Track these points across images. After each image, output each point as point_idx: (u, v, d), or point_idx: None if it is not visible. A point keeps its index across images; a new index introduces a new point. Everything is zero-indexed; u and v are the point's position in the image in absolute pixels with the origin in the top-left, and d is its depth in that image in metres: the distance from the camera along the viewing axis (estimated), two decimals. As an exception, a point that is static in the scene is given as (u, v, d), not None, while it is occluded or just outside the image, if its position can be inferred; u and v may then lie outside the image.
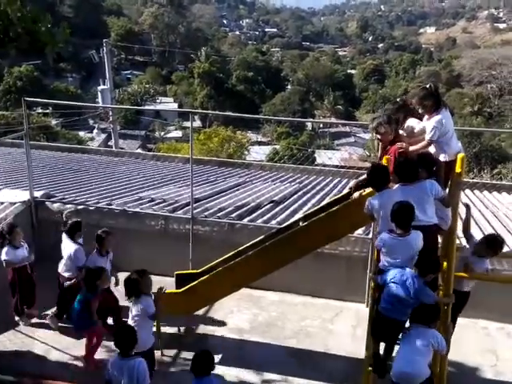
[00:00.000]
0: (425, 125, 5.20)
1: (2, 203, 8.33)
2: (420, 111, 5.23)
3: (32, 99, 9.13)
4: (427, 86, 5.28)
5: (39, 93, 42.50)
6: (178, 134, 49.81)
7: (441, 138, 5.10)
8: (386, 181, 4.96)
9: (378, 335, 4.93)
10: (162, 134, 50.53)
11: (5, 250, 6.58)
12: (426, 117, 5.22)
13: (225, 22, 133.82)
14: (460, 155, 5.19)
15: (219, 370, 6.06)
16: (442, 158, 5.18)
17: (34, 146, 10.60)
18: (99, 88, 25.82)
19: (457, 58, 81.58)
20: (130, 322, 5.40)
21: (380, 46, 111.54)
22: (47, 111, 40.55)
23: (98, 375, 5.83)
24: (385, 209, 4.80)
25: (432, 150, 5.20)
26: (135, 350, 4.85)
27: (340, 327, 7.04)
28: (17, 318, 6.83)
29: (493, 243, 5.47)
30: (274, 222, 7.91)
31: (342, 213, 5.62)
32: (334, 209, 5.72)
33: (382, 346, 4.98)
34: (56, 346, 6.42)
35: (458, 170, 5.12)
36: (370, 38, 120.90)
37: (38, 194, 8.58)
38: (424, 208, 4.79)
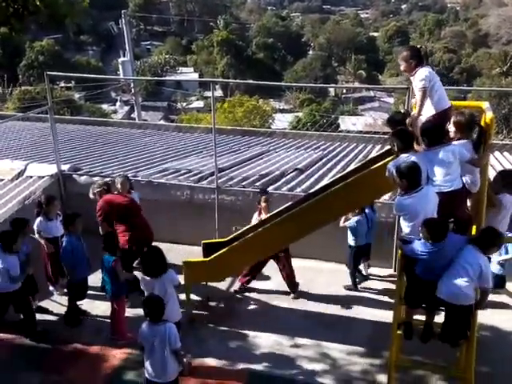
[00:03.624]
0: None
1: (31, 177, 8.49)
2: (404, 69, 5.24)
3: (55, 73, 9.16)
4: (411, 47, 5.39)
5: (61, 67, 42.57)
6: (200, 104, 49.67)
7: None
8: (409, 145, 4.90)
9: (417, 301, 4.90)
10: (184, 104, 50.44)
11: (38, 220, 6.75)
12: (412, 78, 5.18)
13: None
14: (489, 116, 5.07)
15: (248, 334, 6.20)
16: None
17: (58, 119, 10.71)
18: (120, 60, 25.86)
19: (483, 16, 78.69)
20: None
21: (403, 6, 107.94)
22: (70, 85, 40.80)
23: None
24: None
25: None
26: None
27: (367, 292, 7.06)
28: (51, 288, 7.04)
29: (507, 176, 5.49)
30: (298, 189, 7.89)
31: (366, 179, 5.57)
32: (358, 175, 5.68)
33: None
34: (93, 313, 6.64)
35: (487, 131, 5.01)
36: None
37: (64, 167, 8.71)
38: (448, 172, 4.73)
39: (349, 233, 7.05)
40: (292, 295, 7.02)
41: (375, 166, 5.55)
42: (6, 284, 5.84)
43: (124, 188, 7.09)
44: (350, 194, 5.75)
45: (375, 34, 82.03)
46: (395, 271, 6.94)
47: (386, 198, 7.25)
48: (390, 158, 5.20)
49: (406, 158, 4.81)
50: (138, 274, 6.04)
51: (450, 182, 4.73)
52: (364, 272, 7.49)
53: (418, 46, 5.33)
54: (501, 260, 6.59)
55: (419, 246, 4.61)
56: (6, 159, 9.25)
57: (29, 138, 10.80)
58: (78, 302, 6.58)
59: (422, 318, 5.00)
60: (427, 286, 4.69)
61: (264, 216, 6.70)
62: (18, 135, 10.60)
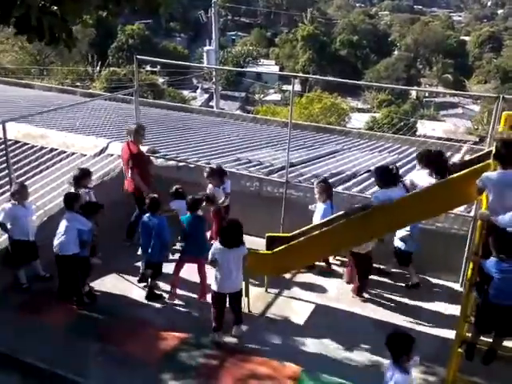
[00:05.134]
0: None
1: (112, 155, 8.90)
2: None
3: (143, 57, 9.50)
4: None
5: (148, 51, 44.04)
6: (277, 97, 49.81)
7: None
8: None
9: (488, 325, 4.71)
10: (262, 96, 50.77)
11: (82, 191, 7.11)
12: None
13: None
14: None
15: (303, 331, 6.21)
16: None
17: (141, 102, 11.10)
18: (205, 49, 26.44)
19: None
20: (233, 268, 5.74)
21: (500, 11, 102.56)
22: (155, 69, 42.16)
23: (187, 318, 6.23)
24: (501, 186, 4.65)
25: None
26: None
27: (430, 304, 6.84)
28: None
29: None
30: (369, 192, 7.75)
31: (455, 184, 5.41)
32: (437, 182, 5.52)
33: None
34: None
35: None
36: (488, 3, 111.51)
37: (143, 148, 9.02)
38: None
39: (314, 219, 7.04)
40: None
41: (457, 175, 5.37)
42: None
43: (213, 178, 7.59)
44: (425, 201, 5.59)
45: (466, 38, 78.50)
46: (461, 286, 6.70)
47: (461, 209, 6.99)
48: (471, 169, 5.03)
49: (499, 173, 4.71)
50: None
51: None
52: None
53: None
54: (403, 236, 6.70)
55: (494, 262, 4.44)
56: (91, 136, 9.73)
57: (113, 117, 11.28)
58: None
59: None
60: (499, 312, 4.49)
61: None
62: (103, 114, 11.11)
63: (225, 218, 7.56)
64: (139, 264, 7.16)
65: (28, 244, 6.62)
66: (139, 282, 6.98)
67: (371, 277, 7.15)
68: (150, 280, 6.80)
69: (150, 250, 6.52)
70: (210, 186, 7.62)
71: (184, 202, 7.03)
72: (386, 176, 5.82)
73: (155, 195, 6.74)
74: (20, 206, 6.56)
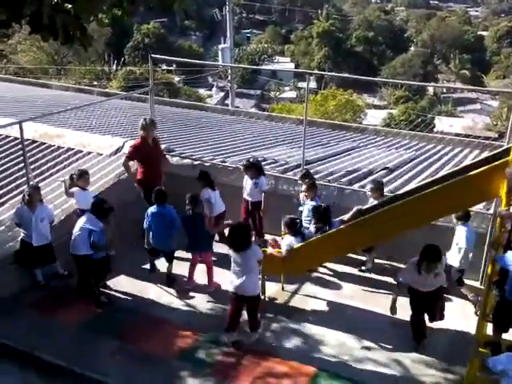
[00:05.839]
0: None
1: (127, 154, 8.93)
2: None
3: (158, 56, 9.54)
4: None
5: (164, 50, 44.16)
6: (293, 94, 49.63)
7: None
8: None
9: (505, 323, 4.63)
10: (277, 94, 50.64)
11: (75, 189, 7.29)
12: None
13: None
14: None
15: (319, 330, 6.17)
16: None
17: (157, 101, 11.14)
18: (220, 46, 26.47)
19: None
20: (242, 270, 5.65)
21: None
22: (171, 68, 42.29)
23: (205, 316, 6.22)
24: None
25: None
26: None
27: (448, 303, 6.74)
28: None
29: None
30: (385, 189, 7.67)
31: (474, 181, 5.31)
32: (458, 179, 5.42)
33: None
34: (168, 291, 6.94)
35: None
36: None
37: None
38: None
39: (304, 216, 7.07)
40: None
41: (476, 172, 5.27)
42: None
43: (250, 171, 7.64)
44: (445, 198, 5.51)
45: (484, 34, 77.37)
46: (481, 284, 6.60)
47: (480, 206, 6.88)
48: (491, 166, 4.95)
49: None
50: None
51: None
52: None
53: None
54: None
55: (509, 256, 4.37)
56: (107, 135, 9.78)
57: (129, 116, 11.33)
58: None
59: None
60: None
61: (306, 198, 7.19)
62: (120, 113, 11.15)
63: (254, 215, 7.81)
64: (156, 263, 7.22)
65: (31, 248, 6.63)
66: (168, 286, 7.02)
67: (381, 277, 7.13)
68: (168, 265, 7.02)
69: (169, 240, 6.80)
70: (246, 176, 7.70)
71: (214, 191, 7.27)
72: (294, 227, 6.42)
73: (161, 187, 6.96)
74: (27, 209, 6.61)
